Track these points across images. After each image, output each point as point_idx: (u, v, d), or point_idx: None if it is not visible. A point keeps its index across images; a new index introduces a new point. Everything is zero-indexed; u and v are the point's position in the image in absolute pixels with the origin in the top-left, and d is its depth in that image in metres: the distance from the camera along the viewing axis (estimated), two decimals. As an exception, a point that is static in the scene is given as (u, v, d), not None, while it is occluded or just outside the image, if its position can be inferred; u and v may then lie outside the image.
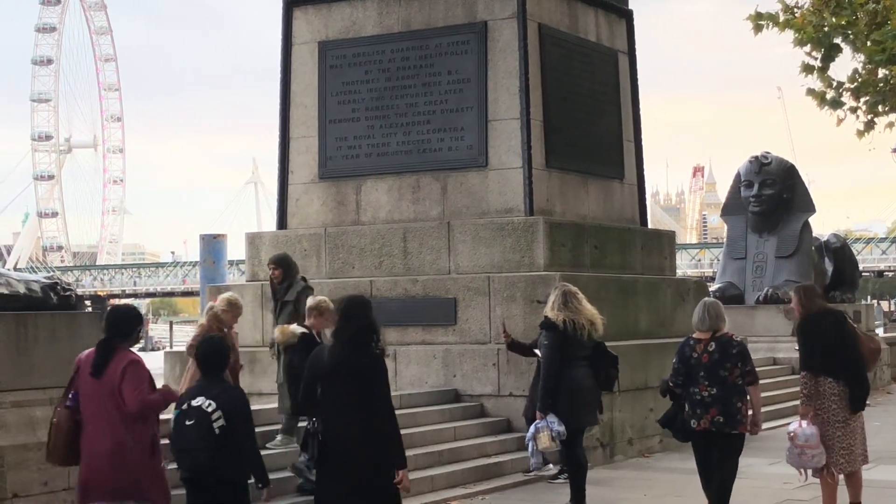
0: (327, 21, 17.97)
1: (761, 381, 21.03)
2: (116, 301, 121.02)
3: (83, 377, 8.65)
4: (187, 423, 8.46)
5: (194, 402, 8.50)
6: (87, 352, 8.84)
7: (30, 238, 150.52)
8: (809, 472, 11.08)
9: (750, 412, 10.88)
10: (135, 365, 8.55)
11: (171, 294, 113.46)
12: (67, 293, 11.22)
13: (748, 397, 10.85)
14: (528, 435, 12.21)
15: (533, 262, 16.23)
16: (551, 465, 13.68)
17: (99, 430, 8.50)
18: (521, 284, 15.97)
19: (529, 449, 12.48)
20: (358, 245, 17.32)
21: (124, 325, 8.78)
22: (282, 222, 18.36)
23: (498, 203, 16.77)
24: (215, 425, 8.39)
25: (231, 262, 34.15)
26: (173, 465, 9.03)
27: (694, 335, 11.06)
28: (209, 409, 8.42)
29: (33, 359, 10.45)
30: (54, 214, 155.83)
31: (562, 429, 11.82)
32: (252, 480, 8.69)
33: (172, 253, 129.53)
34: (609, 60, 18.79)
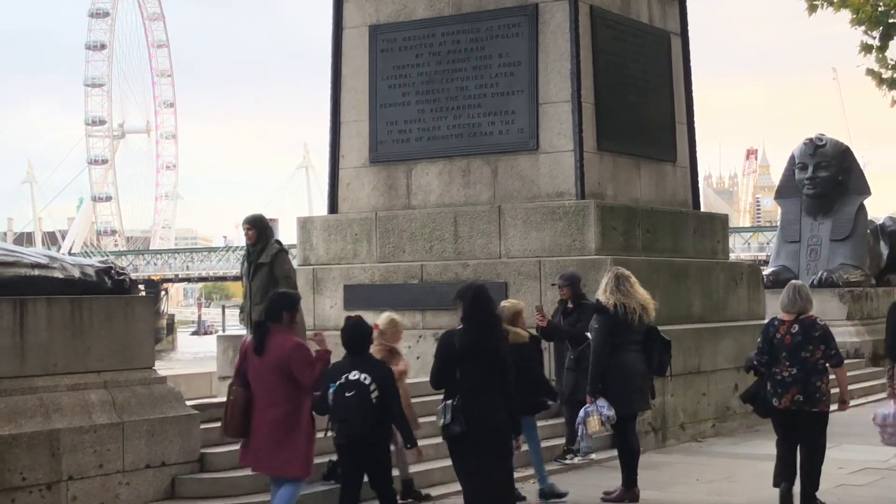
0: (378, 5, 17.96)
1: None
2: (169, 285, 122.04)
3: (250, 357, 9.69)
4: (347, 394, 9.67)
5: (351, 377, 9.72)
6: (249, 336, 10.30)
7: (84, 223, 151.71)
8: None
9: (836, 391, 11.20)
10: (300, 346, 9.64)
11: (223, 279, 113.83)
12: (121, 277, 11.31)
13: (830, 377, 11.10)
14: (578, 419, 12.11)
15: (584, 247, 16.18)
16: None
17: (267, 403, 9.51)
18: (573, 269, 15.90)
19: (579, 433, 12.40)
20: (409, 229, 17.34)
21: (276, 310, 9.83)
22: (332, 206, 18.40)
23: (549, 187, 16.72)
24: (372, 396, 9.67)
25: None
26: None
27: (779, 316, 11.23)
28: (367, 382, 9.69)
29: (88, 342, 10.58)
30: (108, 199, 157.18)
31: (611, 413, 11.78)
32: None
33: (224, 237, 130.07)
34: (662, 42, 18.68)
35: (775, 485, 11.08)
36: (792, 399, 10.90)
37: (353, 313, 11.46)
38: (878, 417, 11.54)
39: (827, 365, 11.07)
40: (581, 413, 12.06)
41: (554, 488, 12.07)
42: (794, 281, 12.06)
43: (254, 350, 9.63)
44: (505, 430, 9.38)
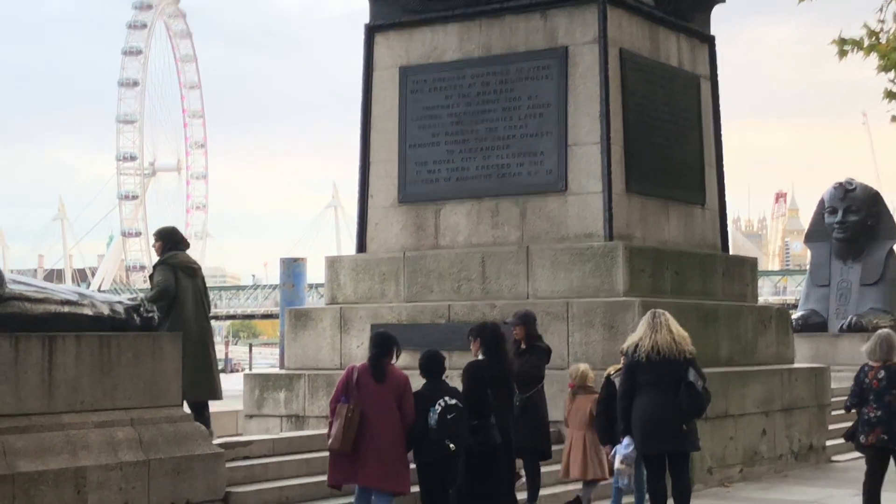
0: (408, 46, 18.05)
1: (843, 413, 20.75)
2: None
3: (364, 383, 10.91)
4: (449, 416, 10.78)
5: (450, 401, 10.89)
6: (358, 364, 11.32)
7: (114, 260, 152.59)
8: None
9: None
10: (409, 380, 11.15)
11: (251, 317, 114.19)
12: (150, 314, 11.32)
13: None
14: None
15: (612, 288, 16.13)
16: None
17: (383, 424, 10.76)
18: (600, 310, 15.88)
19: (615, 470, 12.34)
20: (436, 269, 17.33)
21: (386, 344, 11.15)
22: (361, 246, 18.41)
23: (577, 228, 16.70)
24: (466, 416, 10.93)
25: (310, 286, 34.29)
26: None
27: (868, 362, 12.37)
28: (460, 406, 10.92)
29: (116, 379, 10.57)
30: (138, 234, 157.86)
31: (628, 451, 11.81)
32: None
33: (253, 276, 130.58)
34: (691, 85, 18.69)
35: None
36: (877, 437, 11.98)
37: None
38: None
39: None
40: (613, 451, 12.14)
41: None
42: (880, 331, 12.97)
43: (373, 377, 10.90)
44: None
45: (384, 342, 11.21)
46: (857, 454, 18.85)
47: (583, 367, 13.36)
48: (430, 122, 17.79)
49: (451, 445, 10.86)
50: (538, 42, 17.14)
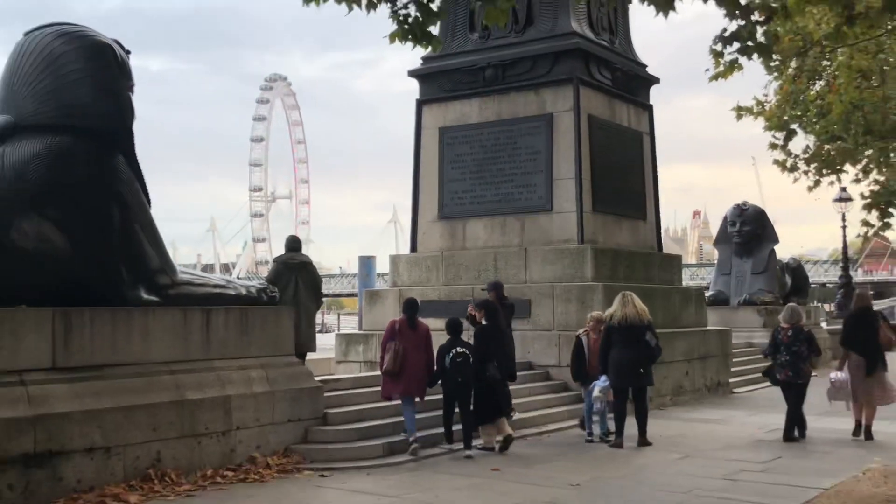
0: (445, 114, 18.03)
1: (740, 359, 20.72)
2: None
3: (403, 330, 11.42)
4: (458, 360, 11.20)
5: (459, 351, 11.27)
6: (397, 319, 11.78)
7: (247, 258, 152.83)
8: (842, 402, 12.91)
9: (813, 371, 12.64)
10: (429, 331, 11.73)
11: (339, 295, 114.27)
12: (273, 294, 11.39)
13: (810, 362, 12.50)
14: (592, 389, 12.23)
15: (583, 276, 16.08)
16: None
17: (416, 356, 11.31)
18: (575, 291, 15.84)
19: (593, 397, 12.29)
20: (464, 263, 17.31)
21: (414, 307, 11.67)
22: (413, 247, 18.40)
23: (559, 235, 16.64)
24: (470, 360, 11.22)
25: (378, 275, 34.33)
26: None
27: (782, 324, 12.58)
28: (468, 354, 11.27)
29: (251, 337, 10.63)
30: (263, 240, 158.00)
31: (604, 385, 11.92)
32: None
33: (340, 268, 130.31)
34: (637, 139, 18.58)
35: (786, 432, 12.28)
36: (787, 375, 12.34)
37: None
38: (831, 379, 12.86)
39: (810, 354, 12.42)
40: (592, 385, 12.19)
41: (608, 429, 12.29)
42: (790, 304, 13.61)
43: (409, 326, 11.45)
44: None
45: (413, 306, 11.69)
46: (751, 387, 18.91)
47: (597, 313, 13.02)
48: (459, 164, 17.76)
49: (459, 379, 11.22)
50: (533, 110, 17.09)
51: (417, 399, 11.36)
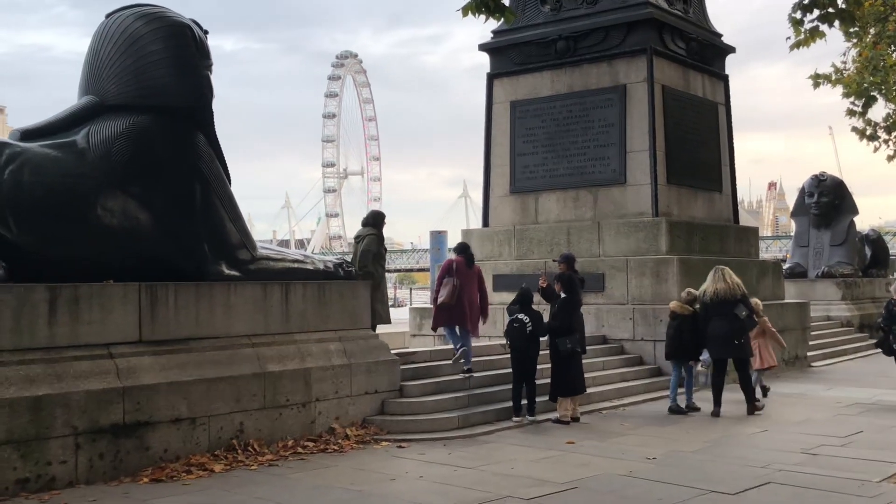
0: (516, 87, 17.93)
1: (819, 333, 20.29)
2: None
3: (460, 268, 12.44)
4: (515, 325, 11.50)
5: (520, 316, 11.51)
6: (453, 258, 12.83)
7: (321, 233, 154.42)
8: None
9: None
10: (481, 270, 12.87)
11: (410, 270, 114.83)
12: (349, 269, 11.51)
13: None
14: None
15: (657, 249, 15.90)
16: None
17: (471, 290, 12.40)
18: (649, 264, 15.67)
19: (696, 370, 12.73)
20: (536, 237, 17.25)
21: (469, 248, 12.79)
22: (485, 222, 18.40)
23: (633, 208, 16.46)
24: (527, 329, 11.41)
25: (449, 249, 34.34)
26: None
27: (894, 297, 12.92)
28: (526, 321, 11.46)
29: (329, 311, 10.77)
30: (336, 215, 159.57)
31: (704, 358, 12.28)
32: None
33: (412, 243, 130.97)
34: (711, 109, 18.23)
35: None
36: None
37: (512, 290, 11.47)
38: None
39: None
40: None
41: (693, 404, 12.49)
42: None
43: (466, 265, 12.46)
44: None
45: (467, 247, 12.86)
46: (829, 361, 18.54)
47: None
48: (531, 138, 17.67)
49: (513, 344, 11.60)
50: (605, 81, 16.89)
51: (471, 331, 12.40)
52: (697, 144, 17.59)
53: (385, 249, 13.09)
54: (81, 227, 8.79)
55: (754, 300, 13.35)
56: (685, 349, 12.43)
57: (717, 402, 12.07)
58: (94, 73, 9.62)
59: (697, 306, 12.48)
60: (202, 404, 9.05)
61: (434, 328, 13.18)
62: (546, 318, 11.84)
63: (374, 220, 13.12)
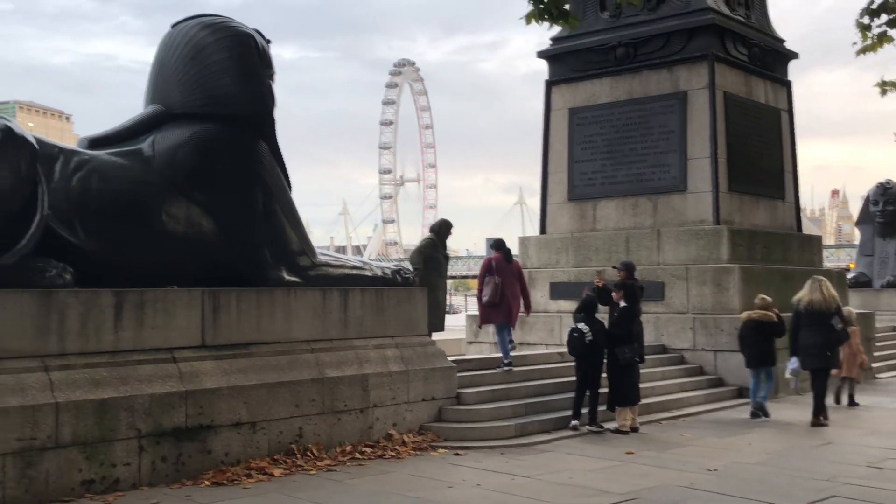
0: (574, 94, 17.86)
1: (884, 343, 19.84)
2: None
3: (500, 265, 12.88)
4: (574, 335, 11.43)
5: (578, 326, 11.44)
6: (492, 256, 13.15)
7: (377, 240, 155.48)
8: None
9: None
10: (521, 265, 13.64)
11: (466, 277, 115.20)
12: (407, 275, 11.54)
13: None
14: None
15: (718, 258, 15.70)
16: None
17: (513, 288, 12.88)
18: (710, 273, 15.48)
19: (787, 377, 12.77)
20: (594, 245, 17.15)
21: (504, 243, 13.19)
22: (542, 229, 18.35)
23: (693, 216, 16.28)
24: (586, 339, 11.33)
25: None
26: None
27: None
28: (585, 331, 11.36)
29: (386, 317, 10.82)
30: (392, 221, 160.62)
31: (795, 366, 12.23)
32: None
33: (467, 250, 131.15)
34: (774, 116, 17.96)
35: None
36: None
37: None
38: None
39: None
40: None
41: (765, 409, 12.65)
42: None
43: (506, 261, 12.92)
44: None
45: (503, 243, 13.20)
46: (894, 373, 18.10)
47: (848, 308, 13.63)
48: (589, 145, 17.58)
49: (573, 353, 11.62)
50: (666, 88, 16.75)
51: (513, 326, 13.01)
52: (759, 151, 17.34)
53: (445, 257, 13.12)
54: (146, 232, 8.96)
55: (847, 309, 13.30)
56: (769, 356, 12.61)
57: (820, 410, 11.96)
58: (159, 83, 9.82)
59: (774, 312, 12.58)
60: (262, 409, 9.15)
61: (480, 325, 13.95)
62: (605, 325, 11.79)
63: (437, 227, 13.24)
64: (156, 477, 8.28)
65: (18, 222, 7.93)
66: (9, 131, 8.00)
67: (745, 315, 12.91)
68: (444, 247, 13.36)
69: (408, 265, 12.25)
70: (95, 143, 9.34)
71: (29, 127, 8.97)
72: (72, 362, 8.06)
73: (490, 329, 17.72)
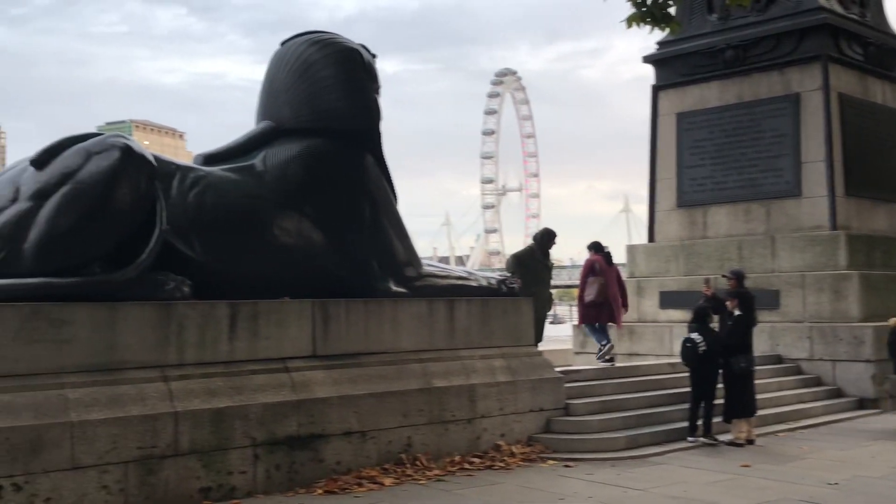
0: (682, 99, 17.56)
1: None
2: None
3: (602, 266, 13.57)
4: (687, 345, 11.16)
5: (692, 336, 11.18)
6: (592, 257, 13.76)
7: (479, 250, 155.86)
8: None
9: None
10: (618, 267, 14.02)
11: (570, 286, 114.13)
12: (512, 285, 11.51)
13: None
14: None
15: (836, 264, 15.18)
16: None
17: (613, 289, 13.60)
18: (827, 280, 15.00)
19: None
20: (705, 252, 16.79)
21: (602, 246, 13.79)
22: (651, 237, 18.07)
23: (809, 221, 15.78)
24: (699, 349, 11.03)
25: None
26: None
27: None
28: (698, 341, 11.08)
29: (492, 327, 10.80)
30: (494, 231, 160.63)
31: None
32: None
33: (570, 259, 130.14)
34: (892, 116, 17.28)
35: None
36: None
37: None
38: None
39: None
40: None
41: None
42: None
43: (606, 263, 13.54)
44: None
45: (602, 246, 13.72)
46: None
47: None
48: (698, 150, 17.25)
49: (687, 364, 11.41)
50: (777, 91, 16.32)
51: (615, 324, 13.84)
52: (878, 153, 16.71)
53: (546, 267, 13.07)
54: (259, 245, 9.19)
55: None
56: None
57: None
58: (269, 99, 10.08)
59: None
60: (372, 418, 9.26)
61: (580, 324, 14.49)
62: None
63: (539, 236, 13.24)
64: (270, 485, 8.45)
65: (139, 237, 8.22)
66: (128, 150, 8.31)
67: (892, 322, 12.52)
68: (547, 256, 13.32)
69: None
70: (210, 159, 9.63)
71: (145, 145, 9.29)
72: (189, 372, 8.31)
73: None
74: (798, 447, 10.96)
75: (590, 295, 13.62)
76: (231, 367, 8.57)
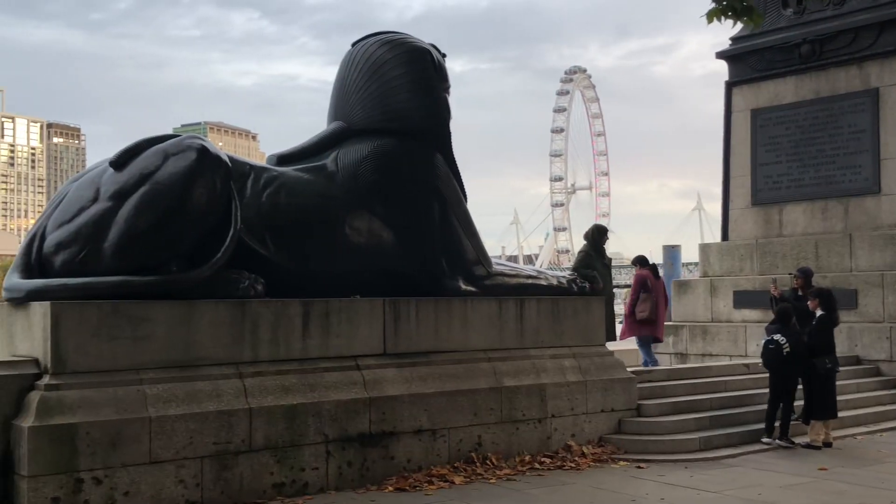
0: (757, 95, 17.23)
1: None
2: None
3: (652, 282, 14.20)
4: (770, 346, 10.97)
5: (776, 337, 10.94)
6: (640, 272, 14.42)
7: (549, 248, 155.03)
8: None
9: None
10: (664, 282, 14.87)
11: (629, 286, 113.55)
12: (583, 284, 11.43)
13: None
14: None
15: (918, 263, 14.74)
16: None
17: (662, 302, 14.30)
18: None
19: None
20: (780, 251, 16.45)
21: (647, 260, 14.64)
22: (724, 236, 17.76)
23: (889, 219, 15.35)
24: (784, 350, 10.86)
25: (683, 265, 33.25)
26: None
27: None
28: (783, 342, 10.88)
29: (563, 327, 10.76)
30: (564, 229, 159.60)
31: None
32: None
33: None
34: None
35: None
36: None
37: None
38: None
39: None
40: None
41: None
42: None
43: (654, 276, 14.12)
44: None
45: (647, 259, 14.32)
46: None
47: None
48: (773, 147, 16.91)
49: (767, 365, 11.24)
50: (855, 86, 15.90)
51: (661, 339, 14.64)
52: (963, 149, 16.15)
53: (604, 265, 12.93)
54: (331, 244, 9.29)
55: None
56: None
57: None
58: (341, 100, 10.18)
59: None
60: (442, 416, 9.29)
61: (622, 338, 14.57)
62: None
63: (589, 235, 13.25)
64: (342, 481, 8.55)
65: (214, 236, 8.38)
66: (204, 151, 8.48)
67: None
68: (602, 254, 13.17)
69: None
70: (283, 159, 9.78)
71: (219, 146, 9.47)
72: (263, 369, 8.45)
73: (669, 340, 17.33)
74: (877, 451, 10.68)
75: (643, 312, 14.20)
76: (304, 364, 8.69)
